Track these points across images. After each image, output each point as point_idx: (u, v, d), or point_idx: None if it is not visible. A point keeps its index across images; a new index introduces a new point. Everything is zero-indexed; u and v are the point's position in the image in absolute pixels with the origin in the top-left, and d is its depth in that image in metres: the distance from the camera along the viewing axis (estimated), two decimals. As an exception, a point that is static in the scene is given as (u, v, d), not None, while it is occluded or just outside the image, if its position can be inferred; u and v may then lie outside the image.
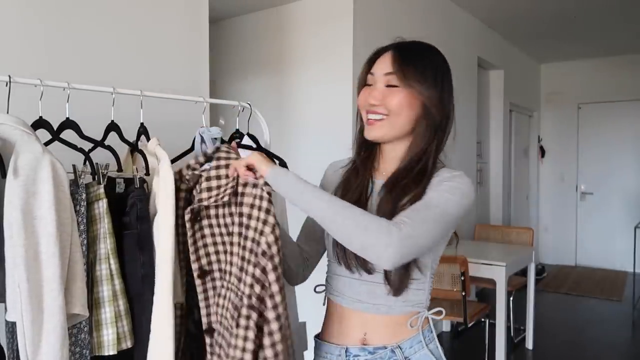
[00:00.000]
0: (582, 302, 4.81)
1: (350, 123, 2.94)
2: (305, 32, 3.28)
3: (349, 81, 2.98)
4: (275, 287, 0.97)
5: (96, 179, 1.08)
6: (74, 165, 1.09)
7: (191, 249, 1.07)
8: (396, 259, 0.88)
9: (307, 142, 3.20)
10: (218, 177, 1.07)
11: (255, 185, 1.02)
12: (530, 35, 5.11)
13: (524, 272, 3.54)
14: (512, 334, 3.67)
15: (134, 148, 1.25)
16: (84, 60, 1.77)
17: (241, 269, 1.01)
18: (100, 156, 1.16)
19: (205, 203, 1.06)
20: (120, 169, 1.15)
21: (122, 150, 1.28)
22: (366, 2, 3.10)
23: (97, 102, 1.28)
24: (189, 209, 1.07)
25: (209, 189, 1.07)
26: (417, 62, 1.03)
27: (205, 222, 1.08)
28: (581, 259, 6.31)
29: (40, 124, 1.13)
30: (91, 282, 1.07)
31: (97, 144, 1.18)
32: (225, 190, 1.05)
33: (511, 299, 3.41)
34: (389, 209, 0.98)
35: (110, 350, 1.03)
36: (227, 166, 1.07)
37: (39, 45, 1.66)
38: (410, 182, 1.01)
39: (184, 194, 1.12)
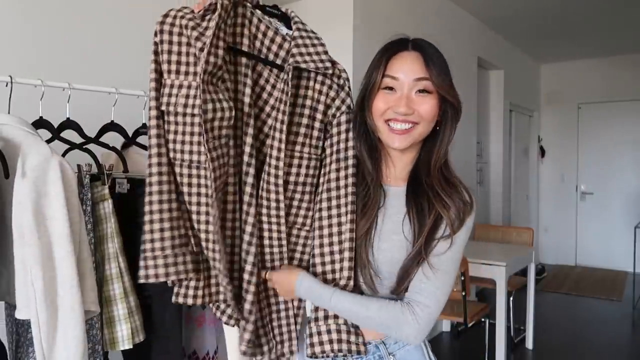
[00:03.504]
0: (582, 302, 4.82)
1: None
2: (306, 32, 3.27)
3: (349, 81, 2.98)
4: None
5: (101, 179, 1.11)
6: (78, 165, 1.09)
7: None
8: (421, 337, 0.97)
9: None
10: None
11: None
12: (530, 35, 5.12)
13: (524, 272, 3.54)
14: (512, 334, 3.67)
15: (116, 151, 1.27)
16: (84, 61, 1.77)
17: None
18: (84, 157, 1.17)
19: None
20: (99, 169, 1.16)
21: (117, 146, 1.29)
22: (366, 2, 3.10)
23: (97, 103, 1.28)
24: None
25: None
26: (444, 65, 0.99)
27: None
28: (581, 259, 6.31)
29: (41, 123, 1.14)
30: (100, 281, 1.09)
31: (74, 146, 1.19)
32: None
33: (511, 299, 3.41)
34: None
35: (125, 344, 1.08)
36: None
37: (39, 45, 1.66)
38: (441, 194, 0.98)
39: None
